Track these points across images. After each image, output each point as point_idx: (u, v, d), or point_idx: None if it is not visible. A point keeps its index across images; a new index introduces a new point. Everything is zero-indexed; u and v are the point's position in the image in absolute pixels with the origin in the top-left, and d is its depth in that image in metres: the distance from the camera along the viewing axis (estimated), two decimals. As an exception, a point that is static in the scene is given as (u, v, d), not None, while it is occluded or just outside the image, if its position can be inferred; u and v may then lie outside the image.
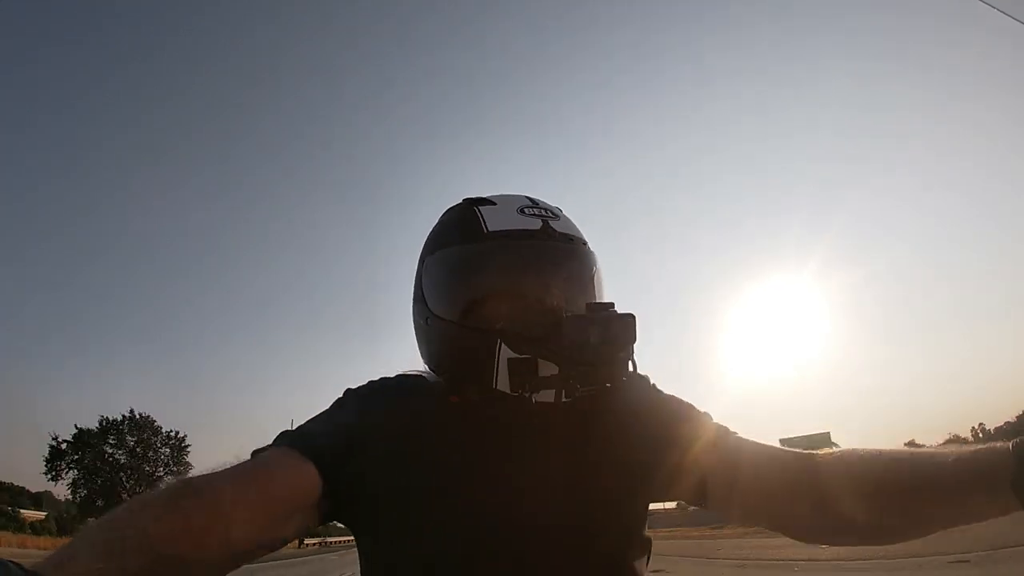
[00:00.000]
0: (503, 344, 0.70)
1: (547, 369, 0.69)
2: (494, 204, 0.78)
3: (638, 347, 0.70)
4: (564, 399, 0.70)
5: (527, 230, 0.75)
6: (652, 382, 0.84)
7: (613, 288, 0.83)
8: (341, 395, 0.79)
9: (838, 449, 0.68)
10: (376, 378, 0.81)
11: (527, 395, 0.70)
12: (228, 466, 0.63)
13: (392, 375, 0.83)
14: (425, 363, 0.82)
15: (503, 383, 0.70)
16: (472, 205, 0.79)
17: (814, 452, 0.69)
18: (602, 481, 0.73)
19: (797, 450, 0.72)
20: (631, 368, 0.71)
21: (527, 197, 0.80)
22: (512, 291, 0.74)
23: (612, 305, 0.70)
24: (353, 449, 0.70)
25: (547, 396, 0.70)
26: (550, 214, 0.78)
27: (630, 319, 0.68)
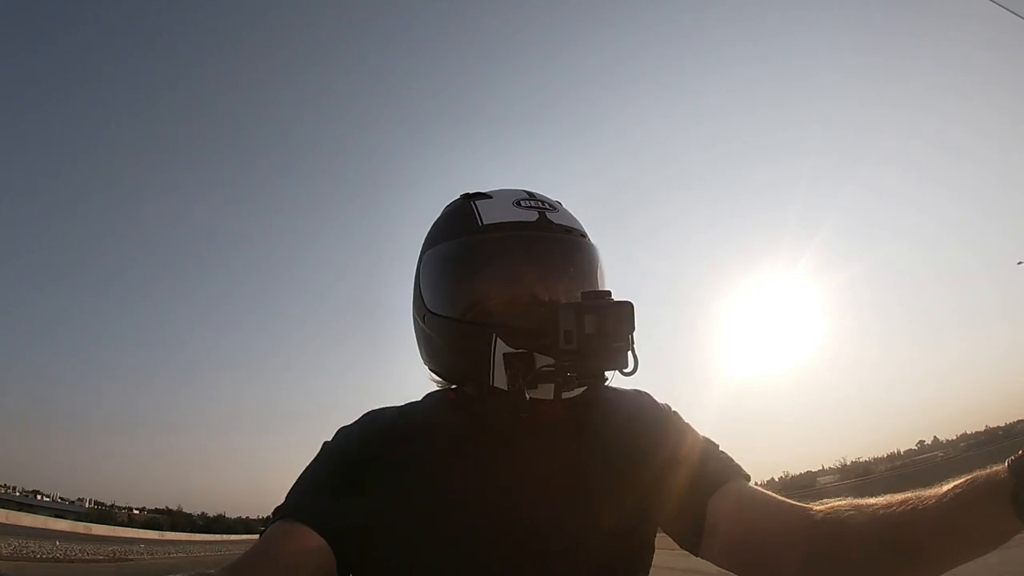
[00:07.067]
0: (499, 339, 0.68)
1: (545, 363, 0.67)
2: (490, 198, 0.78)
3: (639, 341, 0.66)
4: (563, 394, 0.67)
5: (523, 222, 0.73)
6: (659, 400, 0.83)
7: (609, 283, 0.79)
8: (328, 440, 0.77)
9: (834, 501, 0.64)
10: (365, 412, 0.80)
11: (522, 391, 0.67)
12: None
13: (378, 407, 0.81)
14: (425, 364, 0.81)
15: (500, 379, 0.69)
16: (469, 199, 0.78)
17: (810, 506, 0.65)
18: (603, 488, 0.72)
19: (794, 502, 0.68)
20: (633, 363, 0.68)
21: (525, 191, 0.79)
22: (508, 284, 0.72)
23: (609, 293, 0.67)
24: (346, 498, 0.69)
25: (546, 392, 0.68)
26: (547, 206, 0.77)
27: (627, 307, 0.65)
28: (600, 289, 0.76)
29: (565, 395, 0.68)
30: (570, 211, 0.81)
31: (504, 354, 0.68)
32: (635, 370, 0.70)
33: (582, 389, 0.69)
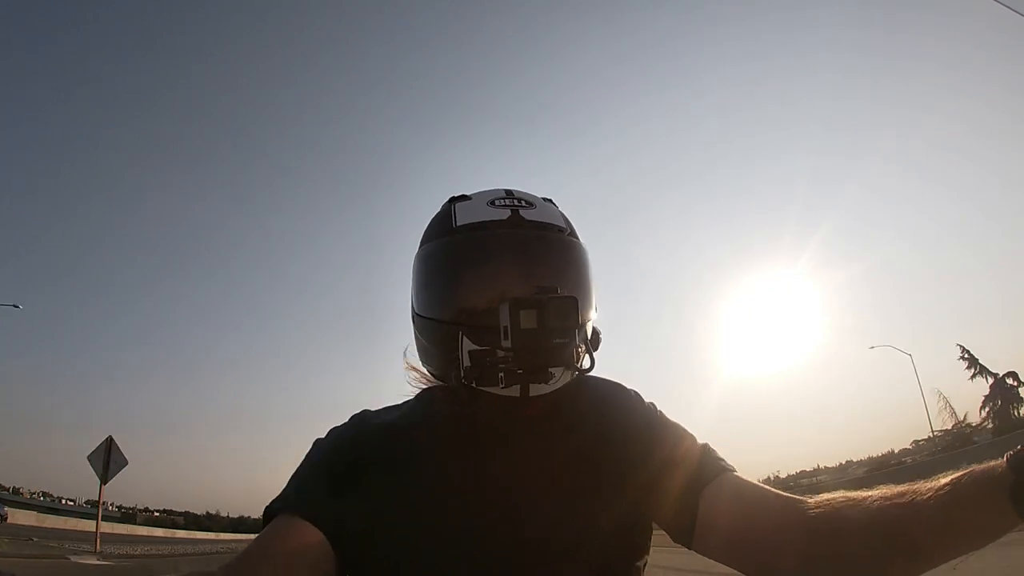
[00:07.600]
0: (464, 337, 0.70)
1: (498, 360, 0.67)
2: (469, 199, 0.78)
3: (612, 343, 0.65)
4: (529, 393, 0.68)
5: (492, 220, 0.74)
6: (648, 400, 0.83)
7: (603, 284, 0.80)
8: (321, 437, 0.77)
9: (828, 495, 0.63)
10: (358, 411, 0.80)
11: (479, 388, 0.69)
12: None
13: (376, 408, 0.82)
14: (422, 365, 0.83)
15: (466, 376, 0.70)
16: (451, 203, 0.79)
17: (804, 499, 0.65)
18: (601, 486, 0.72)
19: (788, 494, 0.67)
20: (587, 361, 0.67)
21: (505, 190, 0.79)
22: (478, 282, 0.72)
23: (555, 288, 0.67)
24: (345, 497, 0.69)
25: (513, 390, 0.68)
26: (523, 203, 0.76)
27: (567, 301, 0.65)
28: (586, 289, 0.76)
29: (533, 392, 0.68)
30: (558, 208, 0.80)
31: (469, 352, 0.69)
32: (591, 368, 0.69)
33: (553, 388, 0.69)
